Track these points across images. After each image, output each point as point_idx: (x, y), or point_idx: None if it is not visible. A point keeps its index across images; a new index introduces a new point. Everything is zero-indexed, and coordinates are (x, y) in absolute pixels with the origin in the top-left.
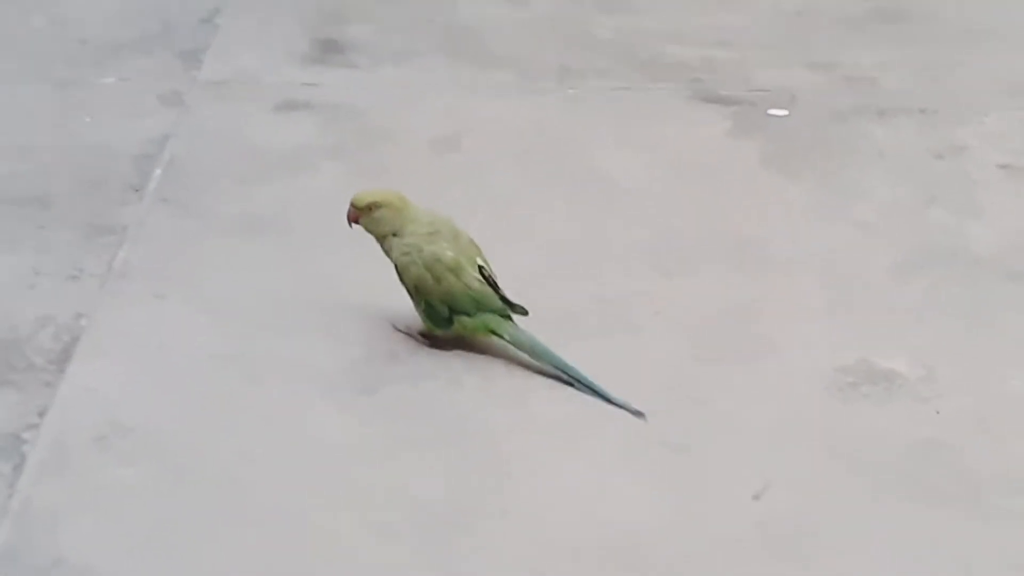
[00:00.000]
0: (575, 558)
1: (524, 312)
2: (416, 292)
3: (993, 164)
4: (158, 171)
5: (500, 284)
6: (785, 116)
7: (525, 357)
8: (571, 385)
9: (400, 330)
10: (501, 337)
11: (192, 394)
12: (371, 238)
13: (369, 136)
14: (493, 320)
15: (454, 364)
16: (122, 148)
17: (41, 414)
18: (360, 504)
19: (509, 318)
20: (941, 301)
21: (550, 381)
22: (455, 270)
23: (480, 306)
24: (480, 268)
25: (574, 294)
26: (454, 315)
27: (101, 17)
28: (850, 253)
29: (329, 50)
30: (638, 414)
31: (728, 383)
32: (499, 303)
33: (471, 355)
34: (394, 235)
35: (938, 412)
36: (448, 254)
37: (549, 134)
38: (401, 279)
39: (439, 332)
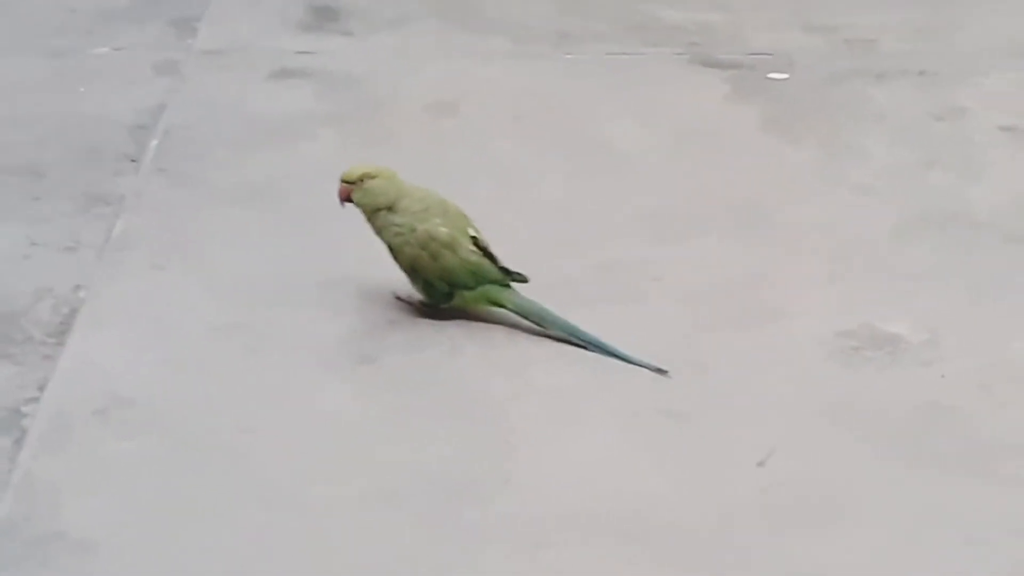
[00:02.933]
0: (578, 526)
1: (524, 279)
2: (413, 272)
3: (994, 126)
4: (154, 141)
5: (496, 253)
6: (784, 80)
7: (526, 323)
8: (584, 348)
9: (401, 298)
10: (504, 307)
11: (192, 365)
12: None
13: (365, 103)
14: (493, 290)
15: (454, 332)
16: (117, 118)
17: (41, 387)
18: (362, 473)
19: (509, 287)
20: (943, 264)
21: (551, 349)
22: (450, 246)
23: (479, 278)
24: (474, 239)
25: (574, 261)
26: (454, 290)
27: None
28: (851, 217)
29: (324, 17)
30: (660, 371)
31: (730, 349)
32: (497, 273)
33: (471, 323)
34: (388, 209)
35: (943, 376)
36: (442, 230)
37: (546, 100)
38: (396, 259)
39: (442, 305)
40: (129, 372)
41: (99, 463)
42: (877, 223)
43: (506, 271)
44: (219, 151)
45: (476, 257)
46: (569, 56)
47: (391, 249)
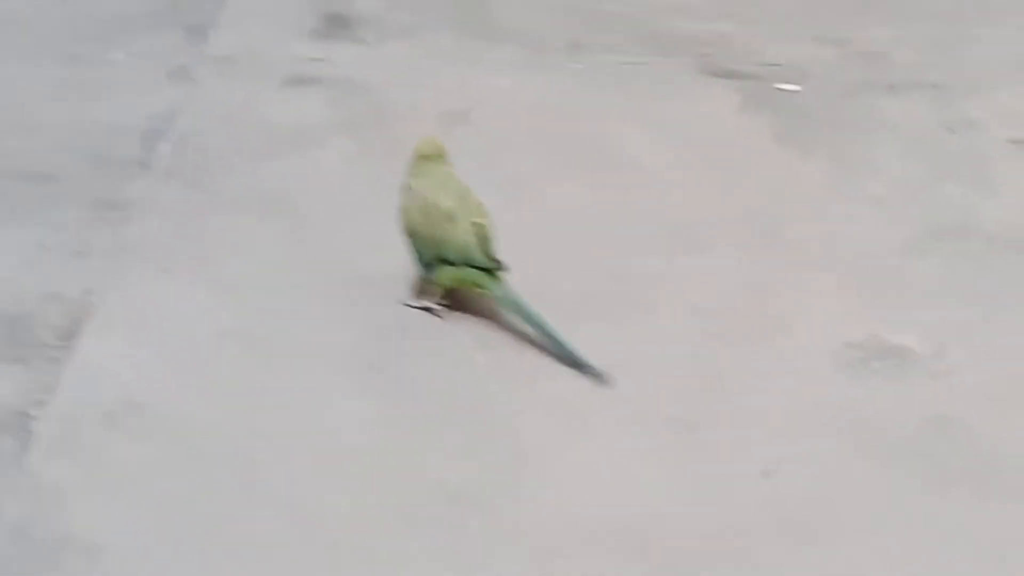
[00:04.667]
0: (588, 537)
1: (503, 268)
2: (410, 236)
3: (1005, 139)
4: (166, 147)
5: (503, 256)
6: (796, 91)
7: (536, 335)
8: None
9: (413, 306)
10: (484, 290)
11: (202, 371)
12: (381, 215)
13: (378, 111)
14: (475, 274)
15: (464, 342)
16: (130, 124)
17: (50, 391)
18: (373, 483)
19: (493, 275)
20: (953, 277)
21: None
22: (449, 218)
23: (466, 258)
24: (476, 225)
25: (586, 271)
26: (438, 262)
27: None
28: (861, 229)
29: (336, 24)
30: (598, 376)
31: (739, 360)
32: (483, 258)
33: (482, 332)
34: (415, 176)
35: (951, 388)
36: (446, 203)
37: (558, 109)
38: (401, 222)
39: (426, 279)
40: (138, 377)
41: (107, 467)
42: (887, 235)
43: (493, 259)
44: (231, 158)
45: (468, 237)
46: (581, 66)
47: (400, 211)
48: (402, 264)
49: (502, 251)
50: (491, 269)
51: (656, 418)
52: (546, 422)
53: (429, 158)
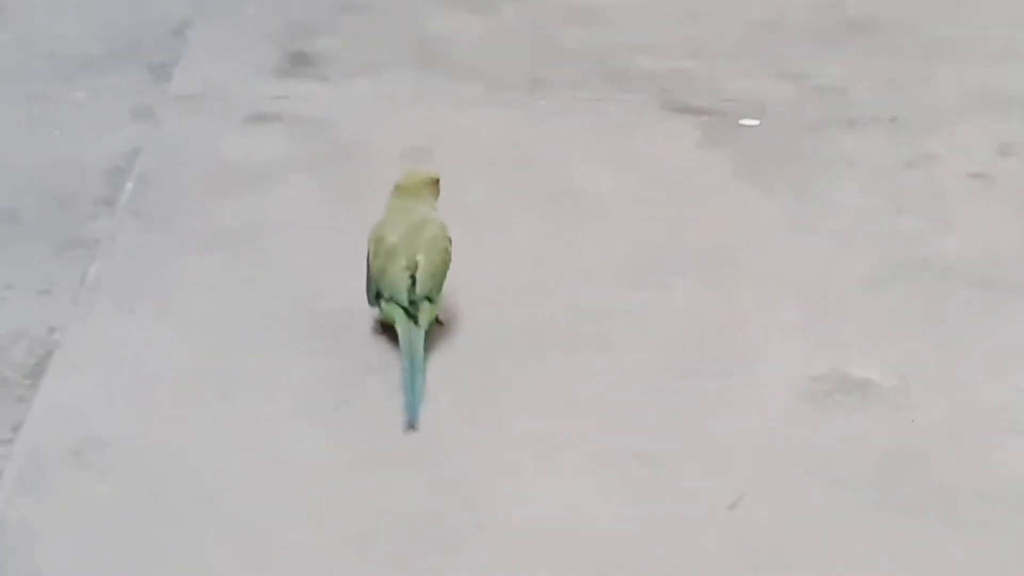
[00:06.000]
0: (552, 571)
1: (415, 320)
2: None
3: (963, 173)
4: (129, 185)
5: (467, 297)
6: (756, 126)
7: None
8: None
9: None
10: (394, 326)
11: (167, 409)
12: (344, 252)
13: (340, 149)
14: (397, 312)
15: (429, 379)
16: (93, 162)
17: (15, 429)
18: (336, 519)
19: (413, 319)
20: (913, 310)
21: (525, 396)
22: (390, 255)
23: (392, 295)
24: (415, 264)
25: (545, 307)
26: (379, 297)
27: (70, 31)
28: (822, 263)
29: (299, 63)
30: (410, 426)
31: (702, 395)
32: (404, 300)
33: (444, 370)
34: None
35: (913, 421)
36: (391, 239)
37: (520, 146)
38: None
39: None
40: (104, 414)
41: (73, 505)
42: (848, 269)
43: (412, 302)
44: (193, 196)
45: (397, 276)
46: (543, 102)
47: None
48: (363, 302)
49: (462, 286)
50: (408, 311)
51: (619, 452)
52: (508, 457)
53: (402, 189)
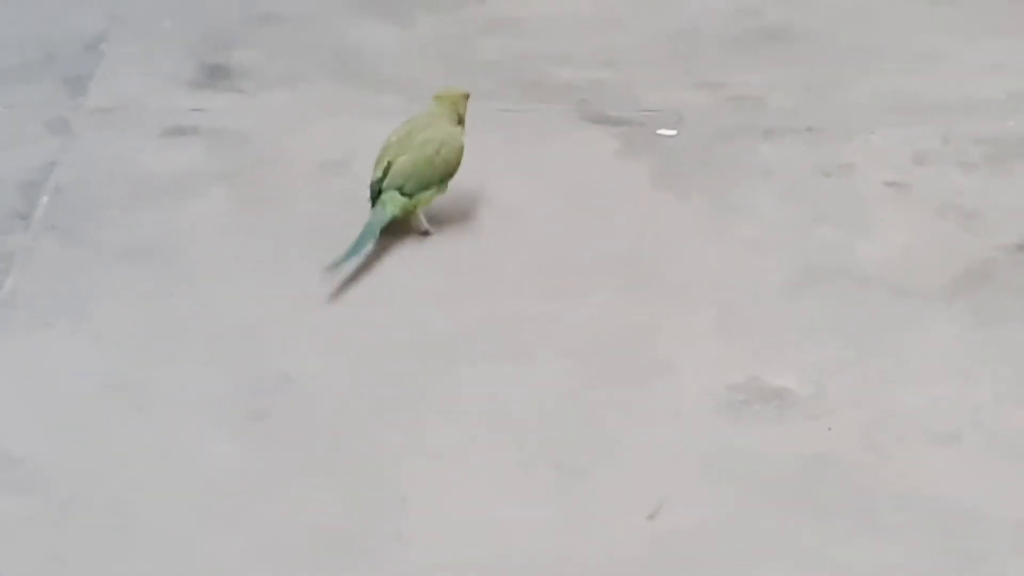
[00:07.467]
0: None
1: (377, 196)
2: None
3: (880, 181)
4: (44, 199)
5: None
6: (673, 136)
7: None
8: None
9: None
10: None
11: (81, 424)
12: (261, 264)
13: (257, 160)
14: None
15: (344, 388)
16: (7, 176)
17: None
18: (252, 531)
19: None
20: (830, 318)
21: (443, 404)
22: (384, 152)
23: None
24: (397, 159)
25: (462, 317)
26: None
27: None
28: (740, 272)
29: (216, 75)
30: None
31: (621, 404)
32: (374, 188)
33: (362, 378)
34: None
35: (830, 429)
36: (392, 139)
37: None
38: None
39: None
40: (17, 430)
41: None
42: (765, 278)
43: (379, 192)
44: (110, 209)
45: (378, 170)
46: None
47: None
48: (280, 313)
49: (378, 295)
50: (373, 195)
51: (537, 462)
52: (429, 466)
53: (438, 99)
